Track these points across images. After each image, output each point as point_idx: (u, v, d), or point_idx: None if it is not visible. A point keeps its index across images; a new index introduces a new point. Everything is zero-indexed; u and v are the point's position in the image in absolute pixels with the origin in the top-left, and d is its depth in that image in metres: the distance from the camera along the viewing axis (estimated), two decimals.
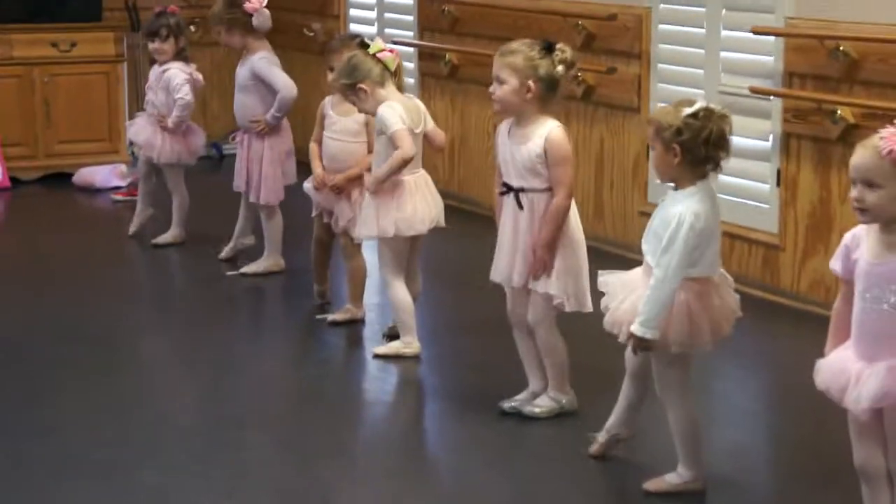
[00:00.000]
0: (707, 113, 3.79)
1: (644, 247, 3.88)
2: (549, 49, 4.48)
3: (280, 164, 6.39)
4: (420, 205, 5.19)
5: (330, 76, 5.57)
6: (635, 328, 3.79)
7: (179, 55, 6.98)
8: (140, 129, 7.06)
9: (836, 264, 3.44)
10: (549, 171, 4.46)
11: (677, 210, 3.79)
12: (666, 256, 3.76)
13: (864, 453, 3.41)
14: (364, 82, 5.13)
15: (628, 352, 4.01)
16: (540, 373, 4.71)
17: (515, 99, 4.50)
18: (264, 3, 6.37)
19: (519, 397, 4.74)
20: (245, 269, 6.49)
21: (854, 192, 3.30)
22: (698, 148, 3.78)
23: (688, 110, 3.78)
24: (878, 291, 3.30)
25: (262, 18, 6.39)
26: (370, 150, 5.41)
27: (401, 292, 5.23)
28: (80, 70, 8.71)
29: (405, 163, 5.08)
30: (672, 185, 3.89)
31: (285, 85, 6.34)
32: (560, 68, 4.47)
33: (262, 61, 6.39)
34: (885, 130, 3.25)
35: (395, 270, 5.24)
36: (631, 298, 3.86)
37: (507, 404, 4.71)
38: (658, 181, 3.97)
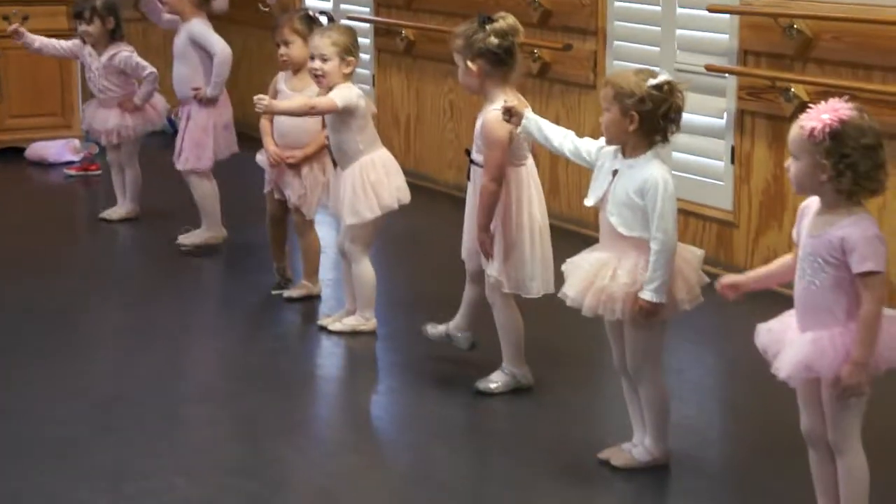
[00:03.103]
0: (670, 87, 3.82)
1: (611, 219, 3.87)
2: (483, 22, 4.46)
3: (213, 133, 6.37)
4: (399, 176, 5.22)
5: (280, 52, 5.54)
6: (650, 295, 3.79)
7: (113, 36, 6.90)
8: (101, 118, 6.97)
9: (793, 232, 3.50)
10: (483, 151, 4.47)
11: (652, 176, 3.81)
12: (662, 221, 3.79)
13: (808, 420, 3.47)
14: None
15: (616, 357, 4.00)
16: (467, 314, 4.81)
17: (467, 80, 4.52)
18: None
19: (440, 327, 4.88)
20: (182, 240, 6.46)
21: (786, 162, 3.41)
22: (656, 119, 3.82)
23: (653, 81, 3.81)
24: (805, 264, 3.36)
25: (223, 3, 6.48)
26: (323, 126, 5.39)
27: (369, 268, 5.24)
28: None
29: (310, 111, 5.14)
30: (616, 148, 3.91)
31: (222, 48, 6.35)
32: (493, 39, 4.43)
33: (199, 25, 6.39)
34: (815, 107, 3.31)
35: (368, 246, 5.25)
36: (622, 271, 3.83)
37: (430, 329, 4.92)
38: (606, 143, 3.98)
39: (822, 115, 3.28)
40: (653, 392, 3.98)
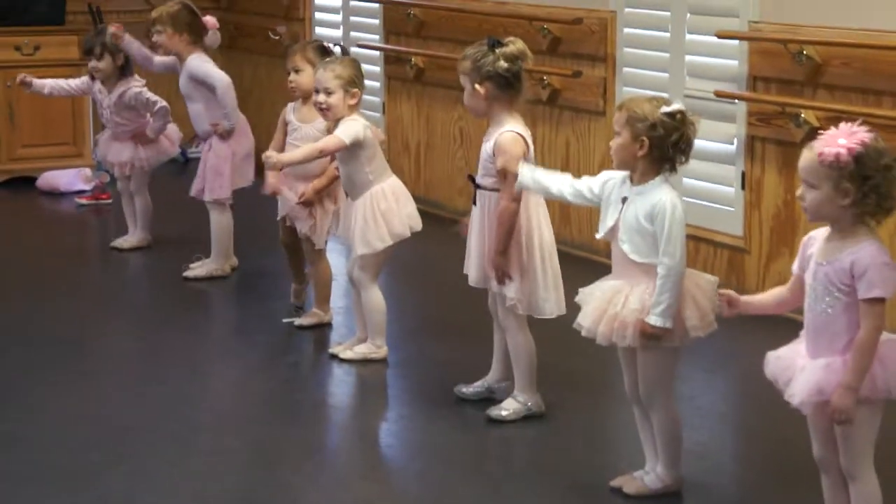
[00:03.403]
0: (682, 117, 3.84)
1: (624, 246, 3.88)
2: (493, 46, 4.49)
3: (234, 163, 6.39)
4: (410, 204, 5.23)
5: (290, 79, 5.56)
6: (655, 320, 3.78)
7: (123, 72, 6.93)
8: (117, 151, 6.98)
9: (795, 264, 3.52)
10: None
11: (661, 201, 3.82)
12: (670, 245, 3.79)
13: (820, 447, 3.47)
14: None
15: (628, 385, 3.99)
16: (503, 364, 4.75)
17: (473, 102, 4.54)
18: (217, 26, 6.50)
19: (476, 384, 4.79)
20: (187, 273, 6.48)
21: (798, 191, 3.41)
22: (666, 147, 3.83)
23: (666, 109, 3.83)
24: (817, 292, 3.37)
25: (215, 38, 6.54)
26: (332, 158, 5.40)
27: (379, 296, 5.24)
28: (43, 73, 8.58)
29: (320, 154, 5.13)
30: (623, 176, 3.92)
31: (220, 79, 6.39)
32: (503, 63, 4.46)
33: (196, 60, 6.43)
34: (826, 133, 3.32)
35: (377, 274, 5.24)
36: (634, 298, 3.83)
37: (465, 389, 4.79)
38: (614, 167, 3.99)
39: (840, 139, 3.28)
40: (665, 419, 3.97)
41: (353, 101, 5.12)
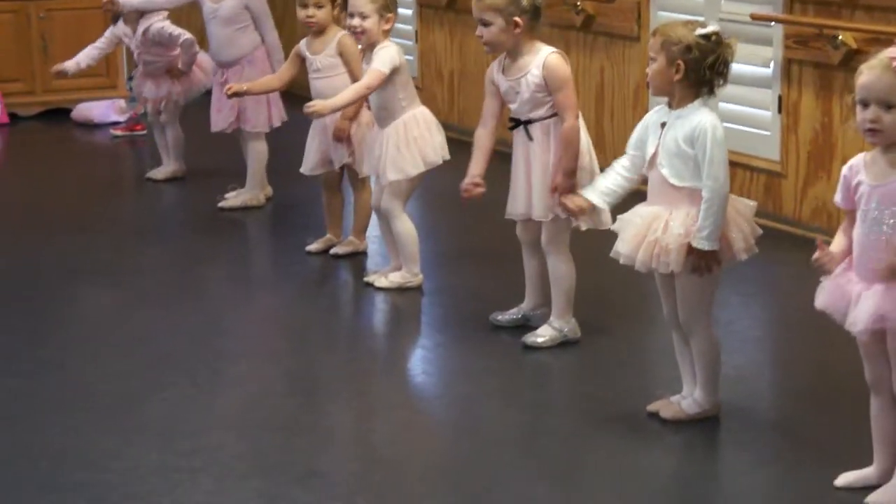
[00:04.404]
0: (718, 38, 3.80)
1: (663, 171, 3.83)
2: None
3: (273, 96, 6.38)
4: (441, 133, 5.23)
5: (302, 13, 5.54)
6: (701, 243, 3.75)
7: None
8: (151, 88, 6.97)
9: (837, 197, 3.45)
10: (553, 97, 4.45)
11: (701, 123, 3.78)
12: (712, 168, 3.75)
13: (873, 371, 3.44)
14: None
15: (667, 310, 3.97)
16: (537, 291, 4.75)
17: (505, 37, 4.50)
18: None
19: (512, 311, 4.79)
20: (222, 204, 6.48)
21: (868, 114, 3.26)
22: (702, 70, 3.79)
23: (701, 31, 3.79)
24: (877, 214, 3.31)
25: None
26: (354, 80, 5.37)
27: (409, 224, 5.23)
28: (75, 4, 8.65)
29: (367, 92, 5.11)
30: (662, 105, 3.88)
31: (275, 35, 6.39)
32: None
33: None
34: (894, 49, 3.24)
35: (405, 203, 5.23)
36: (676, 222, 3.79)
37: (500, 317, 4.80)
38: (651, 93, 3.95)
39: None
40: (705, 343, 3.95)
41: (386, 26, 5.11)
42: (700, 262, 3.79)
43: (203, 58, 6.96)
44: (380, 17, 5.09)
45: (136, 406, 4.24)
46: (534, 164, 4.54)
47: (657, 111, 3.92)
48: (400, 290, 5.26)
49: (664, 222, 3.82)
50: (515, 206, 4.61)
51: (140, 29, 6.85)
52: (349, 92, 5.15)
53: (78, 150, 8.10)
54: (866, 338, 3.35)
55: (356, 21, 5.09)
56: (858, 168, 3.37)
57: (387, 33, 5.13)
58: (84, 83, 8.60)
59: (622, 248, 3.89)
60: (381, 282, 5.31)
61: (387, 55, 5.06)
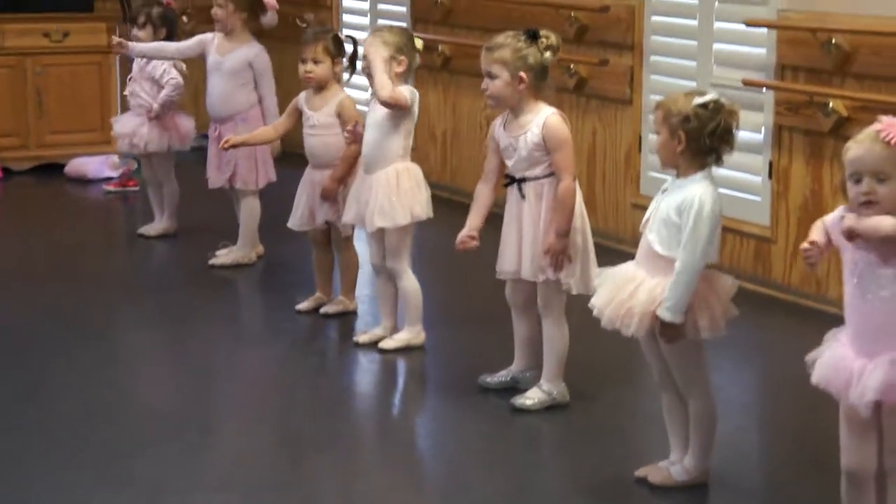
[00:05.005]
0: (717, 106, 3.80)
1: (650, 236, 3.85)
2: (533, 37, 4.54)
3: (262, 152, 6.41)
4: (427, 191, 5.25)
5: (301, 68, 5.57)
6: (664, 314, 3.75)
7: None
8: (125, 122, 7.03)
9: (816, 235, 3.39)
10: (551, 157, 4.49)
11: (691, 195, 3.78)
12: (690, 241, 3.75)
13: (859, 454, 3.39)
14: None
15: (656, 373, 3.97)
16: (527, 353, 4.75)
17: (509, 92, 4.53)
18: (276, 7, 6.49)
19: (501, 374, 4.79)
20: (213, 261, 6.49)
21: (863, 188, 3.23)
22: (703, 138, 3.78)
23: (699, 100, 3.79)
24: (865, 280, 3.28)
25: (273, 19, 6.52)
26: (354, 141, 5.39)
27: (415, 282, 5.24)
28: (71, 61, 8.70)
29: (394, 102, 5.08)
30: (673, 171, 3.89)
31: (274, 98, 6.44)
32: (548, 55, 4.54)
33: (264, 58, 6.46)
34: (882, 120, 3.25)
35: (408, 259, 5.24)
36: (643, 289, 3.81)
37: (489, 379, 4.80)
38: (660, 167, 3.97)
39: None
40: (702, 408, 3.93)
41: (399, 69, 5.13)
42: (663, 330, 3.80)
43: (185, 120, 6.98)
44: (391, 58, 5.11)
45: (125, 463, 4.22)
46: (525, 223, 4.56)
47: (670, 178, 3.94)
48: (406, 349, 5.24)
49: (635, 286, 3.83)
50: (504, 264, 4.62)
51: (142, 62, 6.90)
52: (383, 94, 5.03)
53: (71, 205, 8.11)
54: (869, 412, 3.32)
55: (365, 63, 5.10)
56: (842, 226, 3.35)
57: (399, 77, 5.13)
58: (78, 139, 8.65)
59: (597, 301, 3.93)
60: (387, 343, 5.27)
61: (409, 91, 5.11)
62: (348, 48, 5.64)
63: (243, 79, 6.43)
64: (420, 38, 5.37)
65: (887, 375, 3.26)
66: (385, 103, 5.06)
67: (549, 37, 4.55)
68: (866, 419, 3.33)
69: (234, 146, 5.86)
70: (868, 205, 3.24)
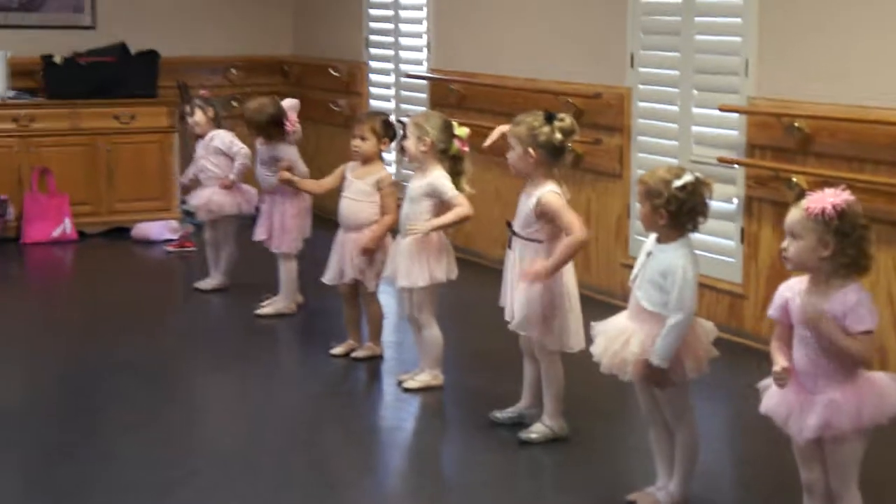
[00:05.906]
0: (693, 187, 3.80)
1: (638, 293, 3.87)
2: (550, 119, 4.50)
3: (301, 218, 6.43)
4: (452, 255, 5.26)
5: (355, 143, 5.61)
6: (657, 360, 3.76)
7: (217, 124, 7.00)
8: (199, 195, 7.02)
9: (773, 311, 3.47)
10: (554, 223, 4.46)
11: (675, 260, 3.79)
12: (680, 302, 3.76)
13: (809, 473, 3.46)
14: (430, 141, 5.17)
15: (644, 408, 3.97)
16: (533, 393, 4.74)
17: (521, 164, 4.53)
18: (296, 123, 6.50)
19: (509, 410, 4.78)
20: (259, 311, 6.51)
21: (784, 243, 3.39)
22: (682, 215, 3.82)
23: (677, 183, 3.79)
24: (808, 340, 3.36)
25: (298, 133, 6.52)
26: (383, 212, 5.49)
27: (437, 332, 5.26)
28: (137, 139, 8.79)
29: (465, 220, 5.17)
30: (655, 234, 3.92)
31: (305, 170, 6.48)
32: (558, 135, 4.48)
33: (294, 151, 6.49)
34: (809, 196, 3.35)
35: (434, 312, 5.26)
36: (635, 340, 3.82)
37: (499, 414, 4.80)
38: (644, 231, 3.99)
39: (828, 199, 3.28)
40: (689, 437, 3.94)
41: (423, 148, 5.17)
42: (653, 375, 3.80)
43: (247, 187, 7.02)
44: (417, 139, 5.16)
45: (175, 491, 4.23)
46: (509, 271, 4.59)
47: (651, 239, 3.94)
48: (427, 389, 5.25)
49: (627, 338, 3.85)
50: (506, 313, 4.63)
51: (209, 136, 6.93)
52: (451, 216, 5.13)
53: (136, 263, 8.15)
54: (807, 444, 3.36)
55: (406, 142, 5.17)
56: (792, 291, 3.41)
57: (425, 154, 5.18)
58: (143, 206, 8.71)
59: (594, 350, 3.95)
60: (410, 383, 5.29)
61: (449, 181, 5.15)
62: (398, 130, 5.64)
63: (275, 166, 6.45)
64: (464, 126, 5.33)
65: (822, 418, 3.29)
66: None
67: (563, 119, 4.50)
68: (808, 447, 3.37)
69: (288, 182, 5.98)
70: (785, 259, 3.38)
